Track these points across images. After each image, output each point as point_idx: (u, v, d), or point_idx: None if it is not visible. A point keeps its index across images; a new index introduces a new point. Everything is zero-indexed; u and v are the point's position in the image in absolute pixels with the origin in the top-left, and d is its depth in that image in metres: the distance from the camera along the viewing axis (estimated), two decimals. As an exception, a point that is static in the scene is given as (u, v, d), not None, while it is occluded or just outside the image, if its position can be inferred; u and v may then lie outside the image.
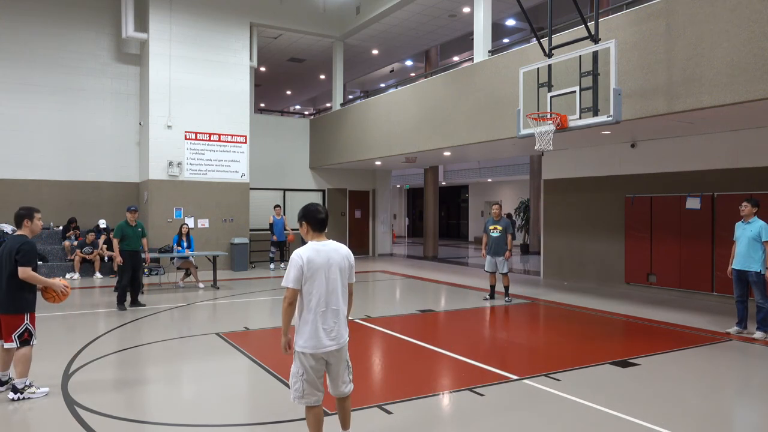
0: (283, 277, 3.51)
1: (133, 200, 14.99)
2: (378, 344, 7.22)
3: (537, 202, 19.60)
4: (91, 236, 13.47)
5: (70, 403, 4.81)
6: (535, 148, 8.59)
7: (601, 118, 7.67)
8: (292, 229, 15.44)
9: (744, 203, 7.35)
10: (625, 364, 6.08)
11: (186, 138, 14.63)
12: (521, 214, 22.13)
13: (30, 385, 4.94)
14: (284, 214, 16.01)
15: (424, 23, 15.95)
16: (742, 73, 6.85)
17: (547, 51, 8.60)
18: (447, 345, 6.96)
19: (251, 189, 16.17)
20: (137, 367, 6.20)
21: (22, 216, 5.06)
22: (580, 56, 7.97)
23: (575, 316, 8.93)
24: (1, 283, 4.87)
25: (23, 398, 4.87)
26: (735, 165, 9.82)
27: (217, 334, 7.54)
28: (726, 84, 7.02)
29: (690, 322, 8.34)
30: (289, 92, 25.63)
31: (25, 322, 4.93)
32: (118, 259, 9.29)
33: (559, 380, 5.46)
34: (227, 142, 15.20)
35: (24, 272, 4.84)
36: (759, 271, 7.08)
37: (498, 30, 16.25)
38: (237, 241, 14.92)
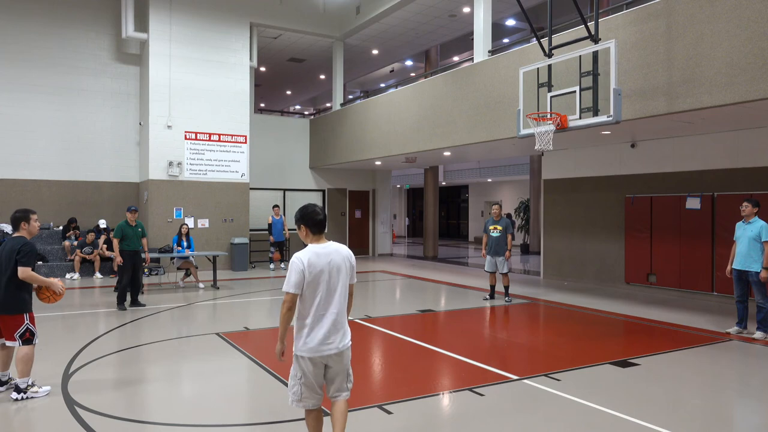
0: (282, 276, 3.51)
1: (133, 200, 15.00)
2: (378, 344, 7.22)
3: (537, 202, 19.61)
4: (91, 236, 13.47)
5: (70, 403, 4.81)
6: (535, 148, 8.59)
7: (601, 118, 7.67)
8: (289, 229, 15.51)
9: (745, 203, 7.35)
10: (625, 364, 6.08)
11: (186, 138, 14.63)
12: (521, 214, 22.13)
13: (32, 385, 4.95)
14: (283, 215, 16.03)
15: (424, 23, 15.95)
16: (742, 73, 6.85)
17: (547, 51, 8.60)
18: (447, 345, 6.96)
19: (251, 189, 16.18)
20: (137, 367, 6.20)
21: (19, 219, 5.08)
22: (580, 56, 7.97)
23: (575, 316, 8.93)
24: (0, 284, 4.88)
25: (26, 397, 4.87)
26: (735, 165, 9.83)
27: (217, 334, 7.54)
28: (726, 84, 7.02)
29: (690, 322, 8.34)
30: (289, 92, 25.64)
31: (26, 321, 4.94)
32: (118, 259, 9.29)
33: (559, 380, 5.46)
34: (227, 142, 15.20)
35: (24, 272, 4.85)
36: (759, 271, 7.08)
37: (498, 30, 16.25)
38: (237, 241, 14.92)
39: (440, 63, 19.71)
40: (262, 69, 19.82)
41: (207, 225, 14.91)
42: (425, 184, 20.42)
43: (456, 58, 20.89)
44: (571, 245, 12.87)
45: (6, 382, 5.11)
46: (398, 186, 32.65)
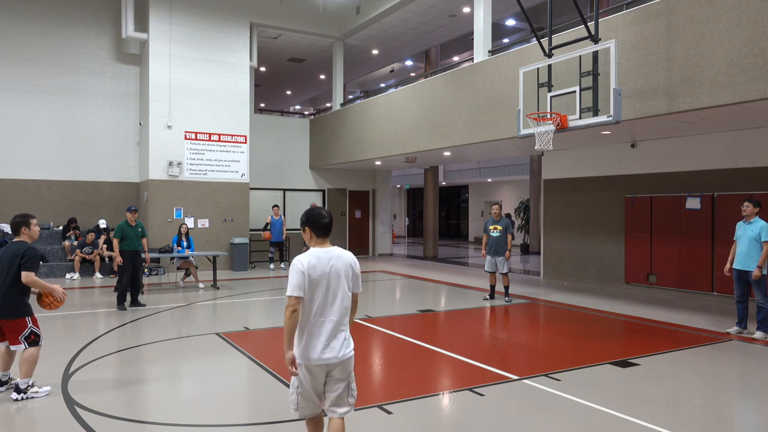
0: (281, 276, 3.49)
1: (133, 200, 15.00)
2: (378, 344, 7.22)
3: (537, 202, 19.61)
4: (91, 236, 13.47)
5: (70, 403, 4.81)
6: (535, 148, 8.59)
7: (601, 118, 7.67)
8: (287, 229, 15.56)
9: (746, 203, 7.34)
10: (625, 364, 6.08)
11: (186, 138, 14.63)
12: (521, 214, 22.13)
13: (32, 385, 4.96)
14: (283, 215, 16.03)
15: (424, 23, 15.95)
16: (742, 73, 6.85)
17: (547, 51, 8.60)
18: (447, 345, 6.96)
19: (251, 189, 16.18)
20: (137, 367, 6.20)
21: (19, 224, 5.08)
22: (580, 56, 7.97)
23: (575, 316, 8.93)
24: (3, 289, 4.88)
25: (26, 398, 4.88)
26: (735, 165, 9.83)
27: (217, 334, 7.54)
28: (726, 84, 7.02)
29: (690, 322, 8.34)
30: (289, 92, 25.64)
31: (29, 324, 4.95)
32: (118, 259, 9.29)
33: (559, 380, 5.46)
34: (227, 142, 15.20)
35: (28, 276, 4.87)
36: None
37: (498, 30, 16.25)
38: (237, 241, 14.92)
39: (440, 63, 19.71)
40: (262, 69, 19.82)
41: (207, 225, 14.91)
42: (425, 184, 20.42)
43: (456, 58, 20.89)
44: (571, 245, 12.87)
45: (6, 382, 5.11)
46: (398, 186, 32.66)
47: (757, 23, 6.72)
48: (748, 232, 7.24)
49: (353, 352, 3.39)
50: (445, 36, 17.21)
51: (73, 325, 8.13)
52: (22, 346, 4.92)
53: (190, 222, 14.55)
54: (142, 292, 10.22)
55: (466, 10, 14.76)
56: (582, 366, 5.99)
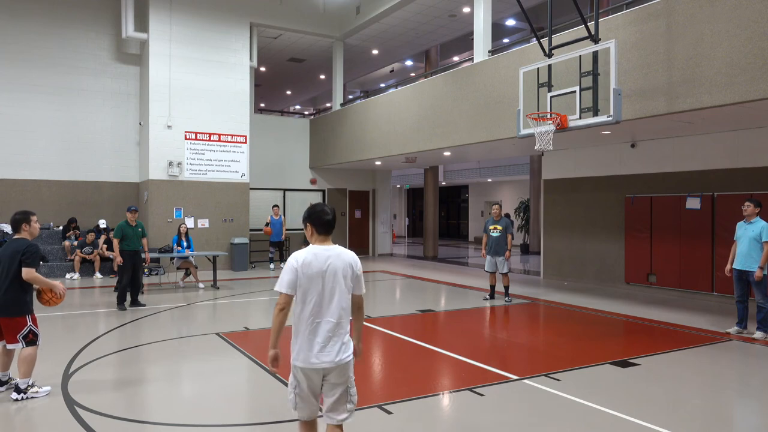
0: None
1: (133, 200, 14.99)
2: (378, 344, 7.22)
3: (537, 202, 19.61)
4: (91, 236, 13.47)
5: (70, 403, 4.81)
6: (535, 148, 8.59)
7: (601, 118, 7.67)
8: (287, 229, 15.61)
9: (747, 203, 7.34)
10: (625, 364, 6.08)
11: (186, 138, 14.63)
12: (521, 214, 22.13)
13: (32, 385, 4.95)
14: (283, 215, 16.03)
15: (424, 23, 15.95)
16: (742, 73, 6.85)
17: (547, 51, 8.60)
18: (447, 345, 6.96)
19: (251, 189, 16.17)
20: (137, 367, 6.20)
21: (20, 221, 5.07)
22: (580, 56, 7.97)
23: (575, 316, 8.93)
24: (3, 286, 4.88)
25: (26, 398, 4.87)
26: (735, 165, 9.83)
27: (217, 334, 7.54)
28: (726, 84, 7.02)
29: (690, 322, 8.34)
30: (289, 92, 25.63)
31: (28, 323, 4.95)
32: (118, 259, 9.29)
33: (559, 380, 5.46)
34: (227, 142, 15.20)
35: (29, 273, 4.86)
36: (759, 271, 7.08)
37: (498, 30, 16.25)
38: (237, 241, 14.92)
39: (440, 63, 19.71)
40: (262, 69, 19.82)
41: (207, 225, 14.91)
42: (425, 184, 20.42)
43: (456, 58, 20.89)
44: (571, 245, 12.87)
45: (6, 383, 5.11)
46: (398, 186, 32.66)
47: (757, 23, 6.72)
48: (748, 232, 7.23)
49: (352, 357, 3.24)
50: (445, 36, 17.21)
51: (73, 325, 8.13)
52: (19, 345, 4.91)
53: (190, 222, 14.55)
54: (142, 292, 10.22)
55: (466, 10, 14.76)
56: (582, 366, 5.99)
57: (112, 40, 15.02)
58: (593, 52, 7.78)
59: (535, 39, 9.01)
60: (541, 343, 7.33)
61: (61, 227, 14.29)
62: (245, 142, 15.47)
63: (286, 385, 4.91)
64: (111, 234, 11.35)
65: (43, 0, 14.19)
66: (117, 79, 15.12)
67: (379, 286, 12.64)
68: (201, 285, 11.73)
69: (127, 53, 15.21)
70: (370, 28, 16.45)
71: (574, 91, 8.00)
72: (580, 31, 8.53)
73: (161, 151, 14.32)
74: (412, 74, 22.44)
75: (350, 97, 23.46)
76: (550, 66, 8.47)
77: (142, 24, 14.50)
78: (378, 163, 16.57)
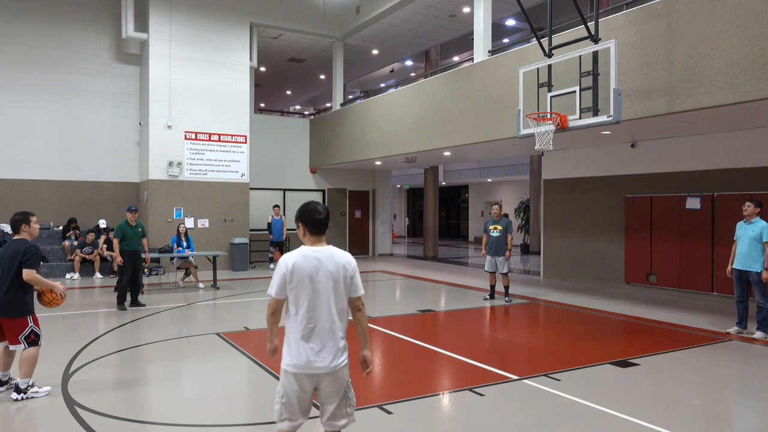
0: None
1: (133, 200, 14.99)
2: (378, 344, 7.22)
3: (537, 202, 19.61)
4: (91, 236, 13.47)
5: (70, 403, 4.81)
6: (535, 148, 8.60)
7: (601, 118, 7.67)
8: (288, 229, 15.61)
9: (747, 203, 7.34)
10: (625, 364, 6.08)
11: (186, 138, 14.63)
12: (521, 214, 22.13)
13: (32, 385, 4.95)
14: (284, 215, 16.03)
15: (424, 23, 15.95)
16: (742, 73, 6.85)
17: (547, 51, 8.60)
18: (447, 345, 6.96)
19: (251, 189, 16.17)
20: (137, 367, 6.20)
21: (19, 221, 5.07)
22: (580, 56, 7.97)
23: (575, 316, 8.94)
24: (3, 287, 4.87)
25: (26, 398, 4.87)
26: (735, 165, 9.83)
27: (217, 334, 7.54)
28: (726, 84, 7.03)
29: (690, 322, 8.34)
30: (289, 92, 25.63)
31: (30, 324, 4.94)
32: (118, 259, 9.29)
33: (559, 380, 5.46)
34: (227, 142, 15.20)
35: (29, 274, 4.86)
36: (760, 271, 7.07)
37: (498, 30, 16.25)
38: (237, 241, 14.92)
39: (440, 63, 19.71)
40: (262, 69, 19.82)
41: (207, 225, 14.91)
42: (425, 184, 20.42)
43: (456, 58, 20.89)
44: (571, 245, 12.87)
45: (6, 382, 5.11)
46: (398, 186, 32.65)
47: (757, 23, 6.72)
48: (748, 232, 7.23)
49: (347, 361, 3.12)
50: (445, 36, 17.21)
51: (73, 325, 8.13)
52: (21, 346, 4.91)
53: (190, 222, 14.55)
54: (142, 292, 10.22)
55: (466, 10, 14.76)
56: (582, 366, 5.99)
57: (112, 40, 15.02)
58: (593, 52, 7.78)
59: (535, 39, 9.00)
60: (541, 343, 7.33)
61: (61, 227, 14.28)
62: (245, 142, 15.47)
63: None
64: (111, 234, 11.35)
65: (43, 0, 14.19)
66: (117, 79, 15.12)
67: (379, 286, 12.64)
68: (201, 285, 11.73)
69: (127, 53, 15.20)
70: (370, 28, 16.45)
71: (574, 91, 8.00)
72: (580, 31, 8.53)
73: (161, 151, 14.32)
74: (412, 74, 22.45)
75: (350, 97, 23.46)
76: (550, 66, 8.47)
77: (142, 24, 14.50)
78: (378, 163, 16.57)
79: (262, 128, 17.07)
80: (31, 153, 14.11)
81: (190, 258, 11.92)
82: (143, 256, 9.75)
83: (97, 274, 13.30)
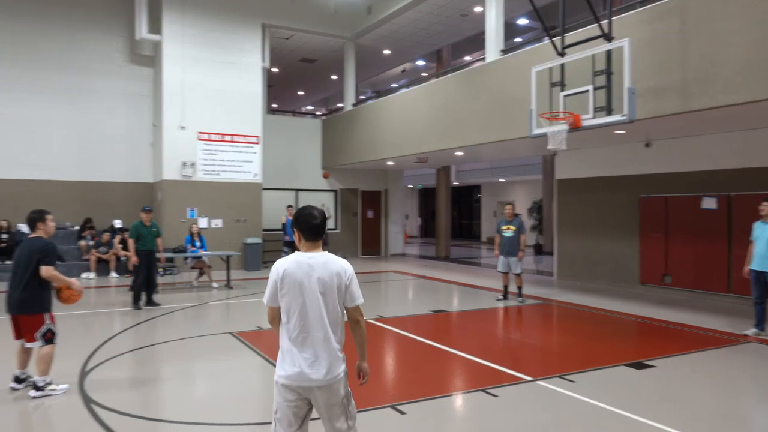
0: None
1: (147, 200, 15.11)
2: (390, 344, 7.23)
3: (550, 202, 19.49)
4: (106, 236, 13.61)
5: (87, 401, 4.87)
6: (548, 147, 8.55)
7: (615, 118, 7.62)
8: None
9: (764, 203, 7.25)
10: (640, 365, 6.03)
11: (199, 138, 14.73)
12: (534, 214, 22.03)
13: (50, 383, 5.02)
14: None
15: (435, 23, 15.92)
16: (757, 72, 6.77)
17: (559, 50, 8.56)
18: (460, 345, 6.94)
19: (264, 189, 16.24)
20: (152, 365, 6.26)
21: (35, 219, 5.15)
22: (593, 55, 7.93)
23: (589, 317, 8.88)
24: (21, 285, 4.94)
25: (44, 395, 4.94)
26: (751, 164, 9.70)
27: (231, 333, 7.58)
28: (740, 83, 6.94)
29: (706, 323, 8.25)
30: (301, 93, 25.72)
31: (46, 321, 5.01)
32: (134, 259, 9.38)
33: (573, 381, 5.43)
34: (240, 142, 15.29)
35: (47, 271, 4.92)
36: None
37: (510, 29, 16.17)
38: (250, 241, 15.00)
39: (452, 63, 19.66)
40: (275, 69, 19.90)
41: (220, 225, 15.01)
42: (437, 183, 20.38)
43: (468, 58, 20.82)
44: (585, 246, 12.78)
45: (24, 380, 5.18)
46: (410, 186, 32.62)
47: (775, 21, 6.63)
48: (766, 233, 7.14)
49: (344, 373, 2.94)
50: (457, 36, 17.18)
51: (89, 324, 8.22)
52: (38, 344, 4.98)
53: (203, 222, 14.65)
54: (157, 292, 10.30)
55: (478, 9, 14.71)
56: (596, 367, 5.95)
57: (126, 42, 15.16)
58: (607, 50, 7.73)
59: (547, 38, 8.96)
60: (555, 343, 7.29)
61: (77, 227, 14.44)
62: (258, 143, 15.54)
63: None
64: (126, 234, 11.46)
65: (59, 4, 14.36)
66: (131, 80, 15.26)
67: (391, 287, 12.64)
68: (215, 285, 11.81)
69: (141, 55, 15.33)
70: (382, 28, 16.46)
71: (588, 91, 7.95)
72: (593, 29, 8.47)
73: (175, 151, 14.44)
74: (424, 74, 22.41)
75: (362, 97, 23.49)
76: (562, 65, 8.43)
77: (155, 26, 14.61)
78: (390, 163, 16.57)
79: (275, 129, 17.13)
80: (48, 154, 14.29)
81: (204, 258, 12.01)
82: (158, 255, 9.83)
83: (113, 274, 13.43)
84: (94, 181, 14.86)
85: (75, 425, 4.43)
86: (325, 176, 17.98)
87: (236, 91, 15.20)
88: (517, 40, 17.13)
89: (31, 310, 4.96)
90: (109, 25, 14.98)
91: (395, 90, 17.74)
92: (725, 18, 7.12)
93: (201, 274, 12.10)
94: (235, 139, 15.22)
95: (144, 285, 9.50)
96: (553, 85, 8.57)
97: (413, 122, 13.72)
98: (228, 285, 11.83)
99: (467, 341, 7.26)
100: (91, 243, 13.61)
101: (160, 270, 12.85)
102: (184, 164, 14.48)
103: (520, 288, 10.11)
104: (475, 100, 11.56)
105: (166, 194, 14.39)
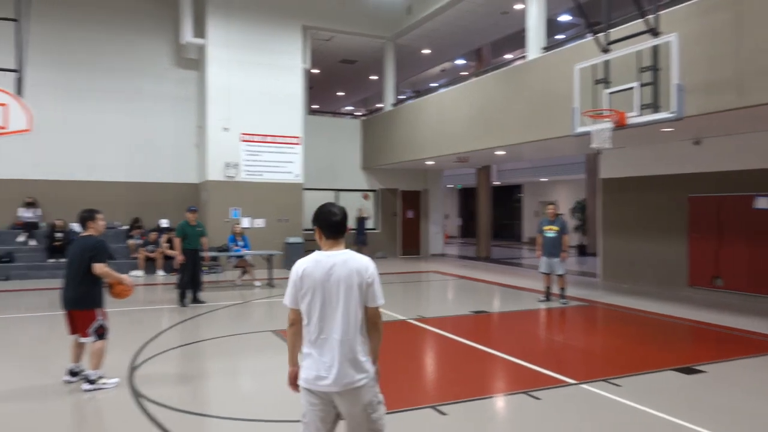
0: None
1: (192, 200, 15.47)
2: (431, 345, 7.21)
3: (594, 201, 19.06)
4: (153, 235, 14.02)
5: (136, 395, 5.02)
6: (592, 146, 8.38)
7: (663, 115, 7.40)
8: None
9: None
10: (690, 370, 5.83)
11: (242, 140, 15.02)
12: (577, 214, 21.60)
13: (102, 377, 5.21)
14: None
15: (475, 21, 15.78)
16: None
17: (603, 46, 8.36)
18: (501, 347, 6.86)
19: (304, 189, 16.45)
20: (197, 361, 6.41)
21: (85, 218, 5.35)
22: (639, 51, 7.71)
23: (635, 320, 8.64)
24: (75, 281, 5.15)
25: (96, 389, 5.13)
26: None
27: (273, 331, 7.70)
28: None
29: (761, 328, 7.90)
30: (341, 93, 25.90)
31: (99, 317, 5.21)
32: (180, 258, 9.62)
33: (619, 386, 5.30)
34: (281, 143, 15.52)
35: (99, 268, 5.12)
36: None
37: (552, 26, 15.87)
38: (291, 240, 15.20)
39: (492, 61, 19.45)
40: (315, 71, 20.09)
41: (262, 225, 15.27)
42: (478, 183, 20.20)
43: (509, 56, 20.56)
44: (631, 246, 12.44)
45: (77, 373, 5.39)
46: (450, 186, 32.43)
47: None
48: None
49: (368, 380, 2.77)
50: (497, 34, 16.98)
51: (137, 320, 8.49)
52: (91, 339, 5.18)
53: (246, 222, 14.93)
54: (202, 290, 10.54)
55: (519, 6, 14.50)
56: (643, 372, 5.79)
57: (172, 47, 15.59)
58: (653, 46, 7.51)
59: (590, 34, 8.77)
60: (600, 346, 7.13)
61: (126, 226, 14.92)
62: (299, 144, 15.74)
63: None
64: (172, 233, 11.79)
65: (109, 10, 14.87)
66: (177, 83, 15.68)
67: (431, 287, 12.60)
68: (257, 283, 12.02)
69: (187, 59, 15.73)
70: (421, 28, 16.42)
71: (633, 87, 7.75)
72: (638, 25, 8.24)
73: (219, 152, 14.77)
74: (464, 73, 22.25)
75: (401, 97, 23.49)
76: (607, 62, 8.23)
77: (199, 30, 14.97)
78: (430, 163, 16.52)
79: (315, 129, 17.31)
80: (99, 156, 14.81)
81: (247, 257, 12.24)
82: (202, 254, 10.06)
83: (160, 272, 13.82)
84: (142, 181, 15.33)
85: (125, 418, 4.58)
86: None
87: (278, 92, 15.43)
88: (559, 37, 16.82)
89: (84, 306, 5.17)
90: (157, 31, 15.44)
91: (435, 90, 17.67)
92: (781, 9, 6.82)
93: (244, 272, 12.33)
94: (277, 140, 15.46)
95: (189, 283, 9.73)
96: (596, 82, 8.38)
97: (453, 122, 13.64)
98: (270, 283, 12.02)
99: (508, 343, 7.17)
100: (139, 242, 14.05)
101: (205, 268, 13.14)
102: (227, 165, 14.79)
103: (563, 289, 9.93)
104: (516, 99, 11.41)
105: (211, 194, 14.73)
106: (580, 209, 21.43)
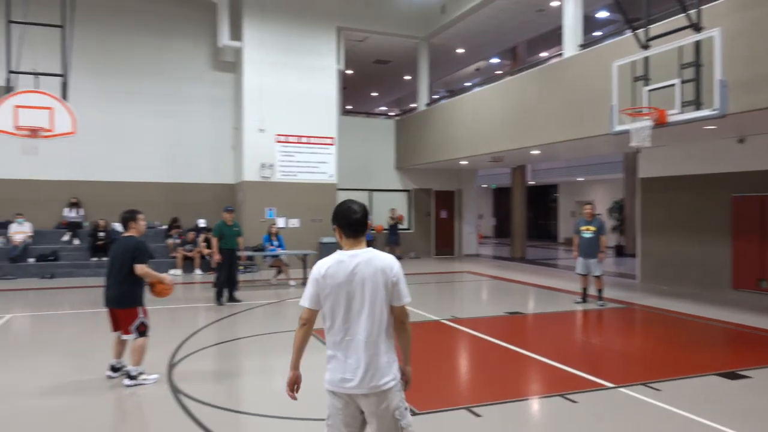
0: None
1: (229, 201, 15.77)
2: (465, 346, 7.16)
3: (632, 201, 18.63)
4: (191, 235, 14.32)
5: (175, 391, 5.15)
6: (631, 144, 8.18)
7: (705, 112, 7.18)
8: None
9: None
10: (733, 375, 5.65)
11: (277, 141, 15.22)
12: (615, 214, 21.15)
13: (142, 373, 5.35)
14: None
15: (510, 19, 15.62)
16: None
17: (643, 42, 8.17)
18: (536, 348, 6.77)
19: (338, 190, 16.55)
20: (234, 359, 6.53)
21: (127, 219, 5.50)
22: (680, 47, 7.50)
23: (676, 323, 8.41)
24: (117, 281, 5.31)
25: (137, 384, 5.28)
26: None
27: (307, 330, 7.76)
28: None
29: (809, 332, 7.61)
30: (374, 94, 25.97)
31: (140, 315, 5.36)
32: (217, 257, 9.80)
33: (659, 390, 5.17)
34: (316, 144, 15.66)
35: (141, 269, 5.26)
36: None
37: (588, 23, 15.59)
38: (325, 240, 15.32)
39: (527, 59, 19.21)
40: (349, 72, 20.21)
41: (297, 225, 15.43)
42: (513, 183, 19.99)
43: (545, 54, 20.27)
44: (671, 247, 12.12)
45: (119, 369, 5.55)
46: (484, 186, 32.16)
47: None
48: None
49: (395, 383, 2.71)
50: (533, 32, 16.77)
51: (176, 319, 8.68)
52: (132, 336, 5.33)
53: (281, 222, 15.12)
54: (238, 289, 10.71)
55: (555, 3, 14.29)
56: (684, 376, 5.64)
57: (209, 49, 15.90)
58: (695, 41, 7.30)
59: (629, 30, 8.58)
60: (638, 349, 6.97)
61: (164, 226, 15.28)
62: (333, 144, 15.86)
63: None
64: (210, 233, 12.03)
65: (147, 15, 15.27)
66: (214, 85, 15.99)
67: (465, 287, 12.52)
68: (292, 282, 12.15)
69: (223, 61, 16.02)
70: (455, 27, 16.33)
71: (674, 84, 7.54)
72: (680, 20, 8.02)
73: (254, 153, 15.00)
74: (498, 72, 22.05)
75: (435, 97, 23.41)
76: (646, 58, 8.03)
77: (236, 33, 15.23)
78: (464, 162, 16.42)
79: (349, 130, 17.40)
80: (138, 157, 15.22)
81: (282, 256, 12.39)
82: (239, 254, 10.23)
83: (197, 271, 14.11)
84: (180, 182, 15.68)
85: (164, 413, 4.70)
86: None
87: (312, 93, 15.57)
88: (596, 33, 16.50)
89: (126, 304, 5.32)
90: (194, 35, 15.77)
91: (469, 89, 17.56)
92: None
93: (279, 272, 12.49)
94: (311, 140, 15.61)
95: (226, 282, 9.90)
96: (636, 79, 8.19)
97: (487, 121, 13.53)
98: (304, 283, 12.13)
99: (544, 344, 7.08)
100: (178, 241, 14.37)
101: (241, 268, 13.36)
102: (262, 166, 15.00)
103: (600, 291, 9.74)
104: (552, 98, 11.24)
105: (247, 195, 14.97)
106: (618, 209, 20.98)
